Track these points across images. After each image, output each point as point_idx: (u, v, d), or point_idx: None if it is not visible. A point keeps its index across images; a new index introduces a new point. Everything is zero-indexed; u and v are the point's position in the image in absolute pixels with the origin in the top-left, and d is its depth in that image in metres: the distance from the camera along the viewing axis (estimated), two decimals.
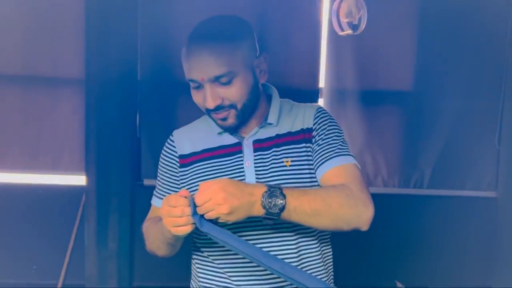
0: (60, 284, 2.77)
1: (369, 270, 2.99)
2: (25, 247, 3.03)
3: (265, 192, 1.02)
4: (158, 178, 1.30)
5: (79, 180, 2.88)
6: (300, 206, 1.04)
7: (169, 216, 1.01)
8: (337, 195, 1.09)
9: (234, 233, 1.06)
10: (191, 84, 1.17)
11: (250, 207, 1.01)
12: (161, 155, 1.29)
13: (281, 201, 1.02)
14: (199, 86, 1.15)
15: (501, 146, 2.97)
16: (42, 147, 3.00)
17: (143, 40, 2.89)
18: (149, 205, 1.34)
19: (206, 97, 1.14)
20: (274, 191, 1.02)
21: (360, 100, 2.99)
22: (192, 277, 1.30)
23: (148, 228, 1.25)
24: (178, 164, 1.25)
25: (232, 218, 1.01)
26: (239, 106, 1.16)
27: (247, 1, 2.86)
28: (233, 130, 1.22)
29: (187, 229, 1.01)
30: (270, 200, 1.02)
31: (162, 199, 1.24)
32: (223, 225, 1.04)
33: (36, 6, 2.91)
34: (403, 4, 2.95)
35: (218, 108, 1.15)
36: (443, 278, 3.03)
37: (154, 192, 1.32)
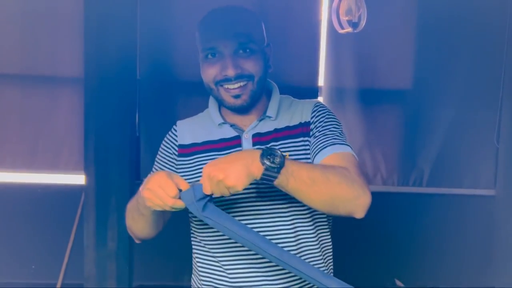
0: (59, 284, 2.76)
1: (368, 268, 2.99)
2: (24, 246, 3.03)
3: (263, 150, 1.01)
4: (155, 162, 1.32)
5: (78, 179, 2.87)
6: (298, 171, 1.01)
7: (157, 197, 1.01)
8: (335, 171, 1.06)
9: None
10: (206, 57, 1.18)
11: (247, 165, 0.98)
12: (163, 141, 1.32)
13: (280, 159, 1.00)
14: (215, 54, 1.16)
15: (499, 144, 2.97)
16: (41, 146, 3.00)
17: (142, 39, 2.89)
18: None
19: (227, 66, 1.15)
20: (272, 148, 1.01)
21: (359, 98, 2.99)
22: (193, 272, 1.30)
23: (129, 204, 1.24)
24: (176, 153, 1.27)
25: (233, 182, 0.97)
26: (256, 79, 1.18)
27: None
28: (243, 110, 1.22)
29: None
30: (269, 156, 0.99)
31: None
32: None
33: (35, 5, 2.90)
34: (402, 3, 2.95)
35: (237, 78, 1.16)
36: (442, 276, 3.03)
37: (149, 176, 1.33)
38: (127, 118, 2.62)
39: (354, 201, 1.06)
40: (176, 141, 1.28)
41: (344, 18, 1.96)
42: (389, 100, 3.04)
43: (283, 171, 0.99)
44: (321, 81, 3.02)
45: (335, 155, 1.14)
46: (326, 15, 2.92)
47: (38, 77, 2.98)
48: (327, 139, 1.18)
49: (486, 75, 2.97)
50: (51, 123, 2.99)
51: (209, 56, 1.18)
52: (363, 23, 1.99)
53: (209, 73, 1.18)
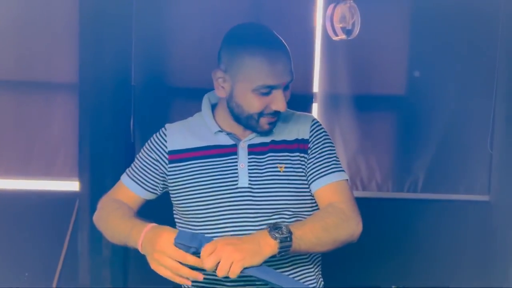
0: None
1: (363, 274, 2.99)
2: (17, 253, 3.01)
3: (267, 228, 1.05)
4: (138, 160, 1.30)
5: (73, 186, 2.86)
6: (304, 235, 1.08)
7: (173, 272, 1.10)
8: (332, 221, 1.15)
9: None
10: (261, 90, 1.16)
11: (259, 247, 1.02)
12: (150, 142, 1.30)
13: (286, 228, 1.05)
14: (269, 92, 1.17)
15: (493, 150, 2.99)
16: (35, 153, 2.98)
17: (137, 45, 2.89)
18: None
19: (281, 101, 1.18)
20: (274, 224, 1.06)
21: (354, 104, 3.00)
22: None
23: (110, 215, 1.23)
24: (166, 160, 1.26)
25: (248, 262, 1.00)
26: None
27: (240, 6, 2.87)
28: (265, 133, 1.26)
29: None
30: (276, 230, 1.04)
31: (133, 180, 1.27)
32: None
33: (30, 11, 2.90)
34: (396, 9, 2.98)
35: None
36: (438, 282, 3.04)
37: (127, 171, 1.31)
38: (122, 124, 2.63)
39: (351, 237, 1.19)
40: (166, 146, 1.27)
41: (338, 25, 1.97)
42: (383, 106, 3.05)
43: (293, 237, 1.05)
44: (316, 88, 3.04)
45: (333, 185, 1.23)
46: (320, 22, 2.94)
47: (33, 83, 2.97)
48: (326, 165, 1.24)
49: (479, 82, 2.99)
50: (45, 129, 2.98)
51: (265, 89, 1.17)
52: (357, 30, 2.01)
53: (258, 106, 1.18)
